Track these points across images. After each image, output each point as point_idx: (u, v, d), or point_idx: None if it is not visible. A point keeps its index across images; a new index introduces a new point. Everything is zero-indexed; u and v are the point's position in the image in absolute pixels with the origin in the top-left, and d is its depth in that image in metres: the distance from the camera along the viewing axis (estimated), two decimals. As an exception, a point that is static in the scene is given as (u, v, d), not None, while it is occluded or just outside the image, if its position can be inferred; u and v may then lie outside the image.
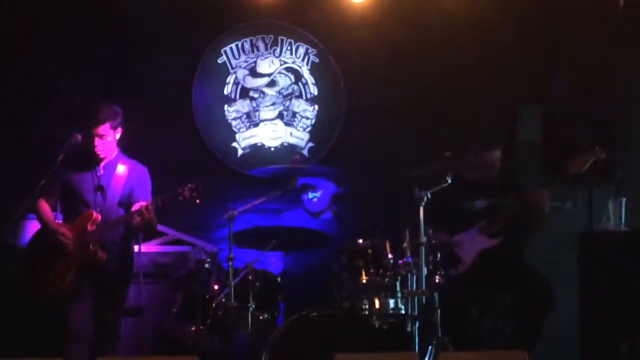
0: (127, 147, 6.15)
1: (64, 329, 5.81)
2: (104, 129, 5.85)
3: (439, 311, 5.81)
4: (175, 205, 5.84)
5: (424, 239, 5.81)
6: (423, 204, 5.85)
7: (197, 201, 5.80)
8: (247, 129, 7.73)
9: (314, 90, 7.80)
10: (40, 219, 5.94)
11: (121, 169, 5.95)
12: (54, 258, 5.79)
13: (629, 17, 7.34)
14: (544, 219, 6.36)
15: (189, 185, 5.78)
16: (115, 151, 6.00)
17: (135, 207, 5.79)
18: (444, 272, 5.91)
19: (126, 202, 5.93)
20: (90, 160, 5.93)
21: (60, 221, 6.01)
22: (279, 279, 6.34)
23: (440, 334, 5.78)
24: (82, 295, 5.79)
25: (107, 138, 5.88)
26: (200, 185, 5.79)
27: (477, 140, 6.71)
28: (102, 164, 5.95)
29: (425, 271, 5.81)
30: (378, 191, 7.37)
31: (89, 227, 5.79)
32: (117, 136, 5.95)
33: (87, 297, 5.82)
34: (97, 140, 5.85)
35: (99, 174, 5.94)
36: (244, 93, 7.74)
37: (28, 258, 5.93)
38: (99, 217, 5.81)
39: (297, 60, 7.79)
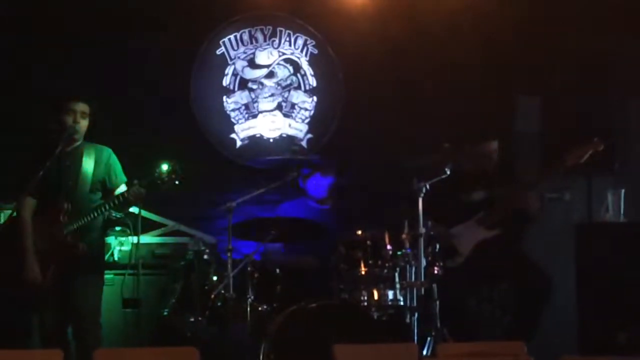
0: (126, 138, 6.12)
1: (40, 323, 5.81)
2: (85, 107, 5.83)
3: (437, 302, 5.83)
4: (157, 188, 5.76)
5: (422, 230, 5.83)
6: (422, 195, 5.87)
7: (177, 182, 5.74)
8: (245, 120, 7.72)
9: (312, 81, 7.80)
10: (21, 230, 5.79)
11: (87, 155, 5.89)
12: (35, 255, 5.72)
13: (626, 6, 7.33)
14: (537, 217, 6.39)
15: (165, 167, 5.73)
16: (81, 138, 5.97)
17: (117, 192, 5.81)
18: (443, 264, 5.92)
19: (99, 188, 5.89)
20: (57, 149, 5.80)
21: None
22: (277, 270, 6.34)
23: (438, 325, 5.80)
24: (60, 288, 5.75)
25: (84, 120, 5.84)
26: (176, 165, 5.73)
27: (476, 131, 6.71)
28: (67, 151, 5.85)
29: (424, 262, 5.82)
30: (377, 182, 7.37)
31: (61, 219, 5.73)
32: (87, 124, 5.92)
33: (63, 290, 5.77)
34: (79, 118, 5.81)
35: (67, 163, 5.87)
36: (243, 84, 7.72)
37: (4, 254, 5.81)
38: (70, 207, 5.75)
39: (295, 51, 7.78)
